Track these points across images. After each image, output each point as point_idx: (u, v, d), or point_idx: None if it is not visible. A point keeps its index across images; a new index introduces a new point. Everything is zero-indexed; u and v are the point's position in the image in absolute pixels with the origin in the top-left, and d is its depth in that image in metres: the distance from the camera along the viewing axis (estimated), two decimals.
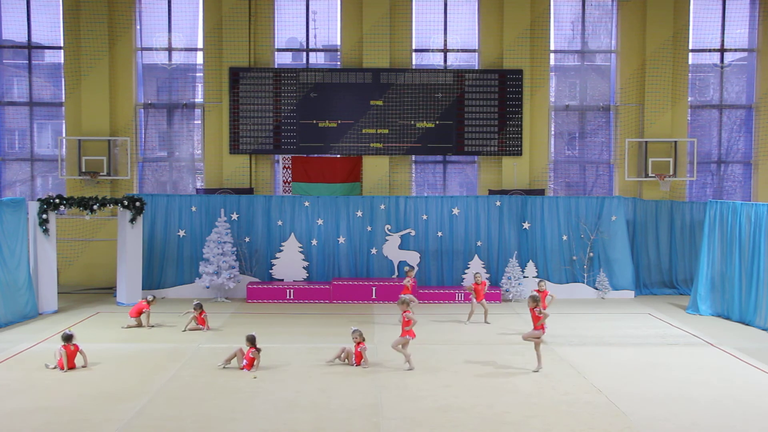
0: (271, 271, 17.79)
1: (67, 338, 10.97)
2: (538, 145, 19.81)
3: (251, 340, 10.95)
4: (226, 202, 17.76)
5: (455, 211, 17.95)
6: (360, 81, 19.42)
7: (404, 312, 10.95)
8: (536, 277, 17.76)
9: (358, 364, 11.01)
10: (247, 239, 17.73)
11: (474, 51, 20.08)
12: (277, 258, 17.81)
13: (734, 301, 14.88)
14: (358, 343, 11.08)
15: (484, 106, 19.52)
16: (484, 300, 14.58)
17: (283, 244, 17.84)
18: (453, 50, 20.14)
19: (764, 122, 20.03)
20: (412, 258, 17.82)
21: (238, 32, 19.31)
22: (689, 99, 20.11)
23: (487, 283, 14.31)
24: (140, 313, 13.80)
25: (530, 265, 17.81)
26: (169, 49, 19.93)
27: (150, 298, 14.07)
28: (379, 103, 19.45)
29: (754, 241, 14.32)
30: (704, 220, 15.91)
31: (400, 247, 17.85)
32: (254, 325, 14.31)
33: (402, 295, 11.42)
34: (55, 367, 10.80)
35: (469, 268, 17.81)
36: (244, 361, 10.83)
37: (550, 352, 12.16)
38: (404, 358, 10.97)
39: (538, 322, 10.86)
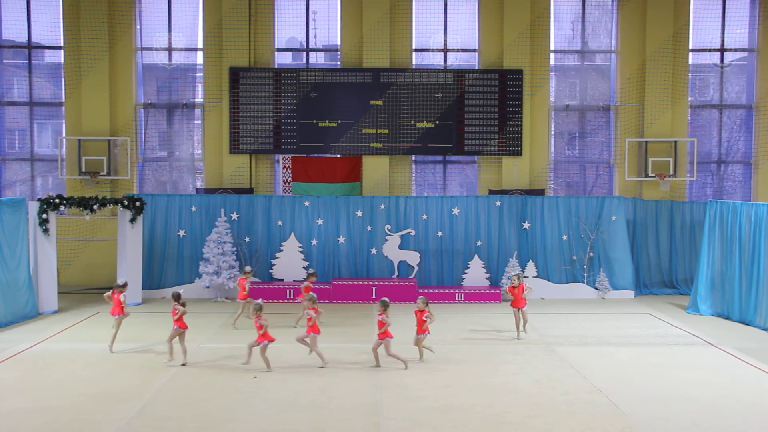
0: (271, 271, 17.80)
1: (119, 286, 11.94)
2: (538, 145, 19.81)
3: (176, 297, 11.17)
4: (226, 202, 17.76)
5: (455, 211, 17.95)
6: (360, 81, 19.42)
7: (310, 309, 11.05)
8: (536, 276, 17.79)
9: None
10: (247, 239, 17.73)
11: (474, 51, 20.09)
12: (277, 258, 17.82)
13: (734, 301, 14.88)
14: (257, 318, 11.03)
15: (484, 106, 19.52)
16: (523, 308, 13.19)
17: (283, 244, 17.85)
18: (453, 50, 20.15)
19: (764, 122, 20.03)
20: (413, 258, 17.82)
21: (238, 32, 19.31)
22: (689, 99, 20.11)
23: (525, 285, 13.22)
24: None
25: (530, 265, 17.81)
26: (169, 49, 19.93)
27: (248, 269, 14.40)
28: (379, 103, 19.45)
29: (754, 241, 14.32)
30: (704, 220, 15.91)
31: (400, 247, 17.85)
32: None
33: (308, 293, 11.52)
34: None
35: (469, 267, 17.81)
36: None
37: (550, 352, 12.17)
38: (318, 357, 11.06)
39: (424, 325, 11.02)
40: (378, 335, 10.97)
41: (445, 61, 20.13)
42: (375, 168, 19.56)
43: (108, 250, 18.46)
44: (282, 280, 17.64)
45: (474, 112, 19.52)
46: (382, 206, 17.94)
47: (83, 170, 18.77)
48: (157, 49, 19.97)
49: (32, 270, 15.09)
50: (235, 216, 17.71)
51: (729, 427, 8.54)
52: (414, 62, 20.04)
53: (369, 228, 17.91)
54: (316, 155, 19.62)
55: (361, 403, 9.34)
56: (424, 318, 11.11)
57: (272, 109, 19.47)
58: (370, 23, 19.40)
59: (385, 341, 10.86)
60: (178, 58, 20.00)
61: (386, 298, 11.17)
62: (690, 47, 20.01)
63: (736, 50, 20.39)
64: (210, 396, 9.61)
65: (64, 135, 19.44)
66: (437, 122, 19.50)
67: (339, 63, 19.94)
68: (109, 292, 12.19)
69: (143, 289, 16.73)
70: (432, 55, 20.27)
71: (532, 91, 19.67)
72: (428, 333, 11.29)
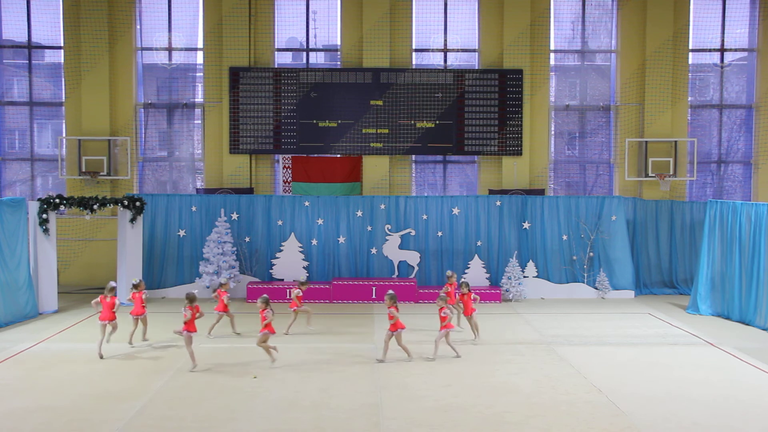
0: (271, 270, 17.80)
1: (111, 289, 11.77)
2: (538, 145, 19.82)
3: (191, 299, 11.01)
4: (226, 202, 17.76)
5: (455, 210, 17.94)
6: (360, 81, 19.42)
7: (262, 311, 10.99)
8: (537, 276, 17.79)
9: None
10: (247, 239, 17.73)
11: (474, 51, 20.09)
12: (277, 258, 17.81)
13: (734, 300, 14.88)
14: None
15: (484, 106, 19.52)
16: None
17: (283, 243, 17.84)
18: (453, 50, 20.15)
19: (764, 122, 20.03)
20: (413, 258, 17.82)
21: (238, 32, 19.32)
22: (689, 99, 20.12)
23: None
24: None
25: (530, 265, 17.81)
26: (169, 49, 19.93)
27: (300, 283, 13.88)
28: (379, 103, 19.45)
29: (754, 240, 14.32)
30: (704, 220, 15.91)
31: (401, 246, 17.85)
32: (254, 324, 14.33)
33: (263, 295, 11.52)
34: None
35: (469, 267, 17.80)
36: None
37: (551, 352, 12.17)
38: (268, 356, 11.05)
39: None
40: (389, 327, 11.27)
41: (445, 61, 20.13)
42: (375, 168, 19.56)
43: (108, 250, 18.48)
44: (282, 280, 17.64)
45: (474, 112, 19.53)
46: (382, 206, 17.94)
47: (83, 170, 18.78)
48: (157, 49, 19.98)
49: (32, 270, 15.09)
50: (235, 216, 17.70)
51: (729, 427, 8.54)
52: (414, 62, 20.04)
53: (369, 228, 17.91)
54: (316, 155, 19.62)
55: (361, 403, 9.34)
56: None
57: (272, 109, 19.47)
58: (370, 23, 19.41)
59: (396, 333, 11.21)
60: (178, 58, 20.00)
61: (392, 291, 11.43)
62: (690, 47, 20.01)
63: (736, 50, 20.39)
64: (210, 396, 9.60)
65: (64, 135, 19.44)
66: (437, 122, 19.50)
67: (339, 63, 19.93)
68: (98, 298, 11.91)
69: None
70: (432, 55, 20.27)
71: (532, 91, 19.67)
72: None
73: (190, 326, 10.86)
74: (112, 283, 12.11)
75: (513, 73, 19.49)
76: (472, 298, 12.76)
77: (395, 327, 11.14)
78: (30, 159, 19.94)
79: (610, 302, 17.21)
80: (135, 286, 12.58)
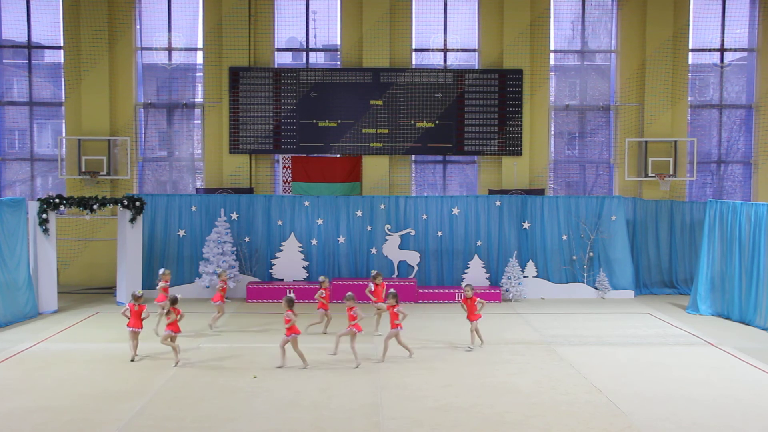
0: (271, 270, 17.80)
1: (137, 298, 11.50)
2: (538, 145, 19.82)
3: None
4: (226, 202, 17.76)
5: (455, 210, 17.94)
6: (360, 81, 19.42)
7: (174, 310, 11.18)
8: (536, 276, 17.80)
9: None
10: (247, 239, 17.73)
11: (474, 51, 20.09)
12: (277, 258, 17.82)
13: (734, 300, 14.88)
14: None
15: (484, 105, 19.53)
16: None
17: (283, 243, 17.85)
18: (453, 50, 20.15)
19: (764, 122, 20.03)
20: (413, 258, 17.82)
21: (238, 32, 19.32)
22: (689, 99, 20.12)
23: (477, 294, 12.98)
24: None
25: (530, 264, 17.81)
26: (169, 49, 19.93)
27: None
28: (379, 103, 19.46)
29: (754, 240, 14.32)
30: (704, 220, 15.91)
31: (400, 246, 17.84)
32: (254, 325, 14.36)
33: (174, 294, 11.65)
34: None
35: (469, 267, 17.80)
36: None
37: (551, 352, 12.17)
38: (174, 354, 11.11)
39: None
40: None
41: (445, 61, 20.13)
42: (375, 168, 19.56)
43: (108, 250, 18.47)
44: (282, 280, 17.64)
45: (474, 112, 19.53)
46: (382, 206, 17.94)
47: (83, 170, 18.78)
48: (157, 49, 19.98)
49: (32, 270, 15.09)
50: (235, 216, 17.70)
51: (729, 427, 8.54)
52: (414, 62, 20.04)
53: (369, 228, 17.91)
54: (316, 155, 19.62)
55: (361, 403, 9.34)
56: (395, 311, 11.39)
57: (272, 109, 19.47)
58: (370, 23, 19.40)
59: (291, 338, 10.94)
60: (178, 58, 20.00)
61: (292, 296, 11.39)
62: (690, 47, 20.01)
63: (736, 50, 20.39)
64: (210, 396, 9.61)
65: (64, 135, 19.44)
66: (437, 122, 19.50)
67: (339, 63, 19.94)
68: (127, 305, 11.66)
69: (143, 289, 16.65)
70: (432, 55, 20.27)
71: (532, 91, 19.67)
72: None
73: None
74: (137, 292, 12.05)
75: (513, 73, 19.49)
76: (395, 310, 11.90)
77: (290, 332, 10.86)
78: (30, 159, 19.93)
79: (610, 302, 17.21)
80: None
